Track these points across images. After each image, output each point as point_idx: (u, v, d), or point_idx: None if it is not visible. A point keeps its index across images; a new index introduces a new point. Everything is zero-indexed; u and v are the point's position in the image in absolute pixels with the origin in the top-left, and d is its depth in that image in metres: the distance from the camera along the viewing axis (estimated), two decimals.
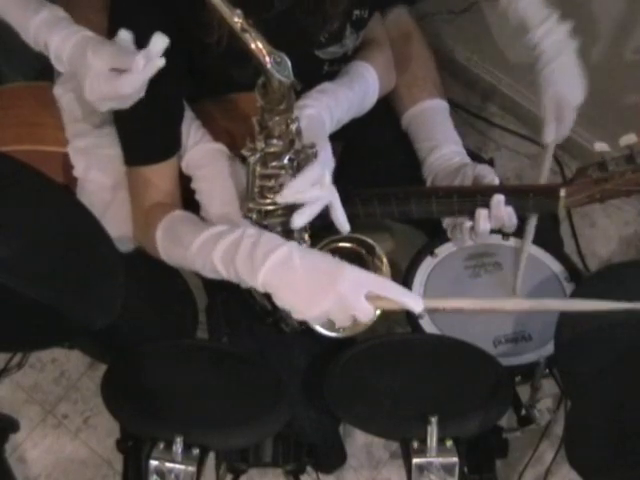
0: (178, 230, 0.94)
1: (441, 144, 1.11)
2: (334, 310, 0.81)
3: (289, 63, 0.79)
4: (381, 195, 1.03)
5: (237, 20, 0.74)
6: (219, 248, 0.86)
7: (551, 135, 1.04)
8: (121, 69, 0.84)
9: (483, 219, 0.99)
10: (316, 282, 0.81)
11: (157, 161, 0.98)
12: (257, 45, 0.76)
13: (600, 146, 0.95)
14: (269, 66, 0.77)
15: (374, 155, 1.19)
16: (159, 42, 0.84)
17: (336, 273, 0.81)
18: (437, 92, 1.17)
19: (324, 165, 0.92)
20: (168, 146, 0.99)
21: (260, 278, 0.83)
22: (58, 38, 0.88)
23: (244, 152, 0.91)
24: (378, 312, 0.88)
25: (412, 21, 1.21)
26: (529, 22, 1.01)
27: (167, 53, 0.92)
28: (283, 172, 0.90)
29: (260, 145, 0.88)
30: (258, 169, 0.90)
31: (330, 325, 0.95)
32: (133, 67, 0.83)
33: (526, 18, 1.01)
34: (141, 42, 0.90)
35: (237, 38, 0.76)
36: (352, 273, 0.81)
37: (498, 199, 0.97)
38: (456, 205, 1.00)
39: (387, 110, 1.18)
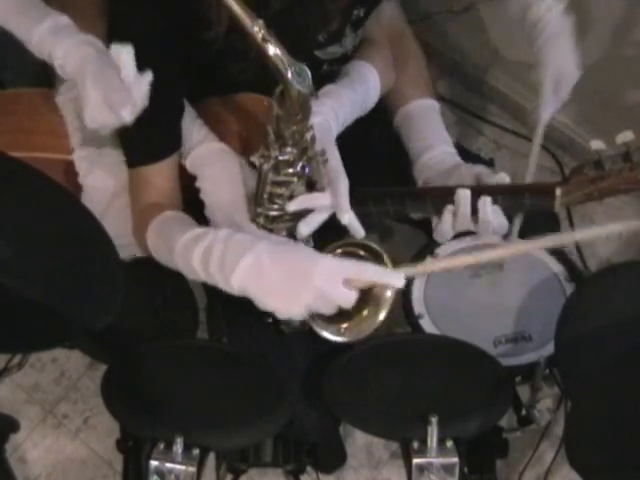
0: (166, 231, 0.94)
1: (433, 145, 1.11)
2: (316, 303, 0.82)
3: (309, 74, 0.79)
4: (376, 195, 1.03)
5: (258, 30, 0.74)
6: (196, 253, 0.86)
7: (550, 109, 1.06)
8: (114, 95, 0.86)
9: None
10: (291, 280, 0.81)
11: (157, 160, 0.98)
12: (279, 56, 0.75)
13: (596, 144, 0.95)
14: (290, 77, 0.77)
15: (369, 155, 1.19)
16: (124, 53, 0.86)
17: (309, 267, 0.81)
18: (428, 91, 1.17)
19: (345, 175, 0.92)
20: (167, 144, 0.99)
21: (234, 285, 0.83)
22: (62, 50, 0.87)
23: (256, 159, 0.91)
24: (382, 317, 0.88)
25: (404, 20, 1.21)
26: None
27: (166, 51, 0.93)
28: (295, 179, 0.90)
29: (274, 153, 0.88)
30: (270, 176, 0.90)
31: (335, 329, 0.95)
32: (133, 101, 0.86)
33: None
34: (141, 39, 0.90)
35: (241, 38, 0.76)
36: (325, 264, 0.81)
37: (484, 200, 0.95)
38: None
39: (380, 110, 1.18)
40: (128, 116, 0.86)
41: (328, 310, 0.83)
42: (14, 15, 0.89)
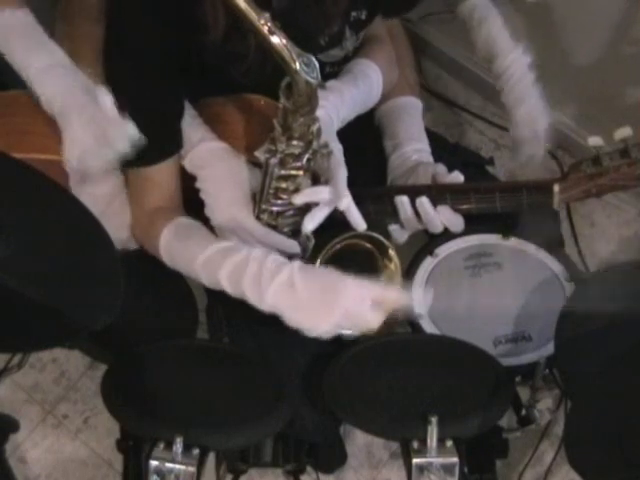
0: (184, 239, 0.95)
1: (402, 142, 1.11)
2: (343, 323, 0.84)
3: (317, 64, 0.79)
4: (374, 194, 1.03)
5: (264, 22, 0.73)
6: (225, 268, 0.87)
7: (524, 156, 1.10)
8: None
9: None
10: (320, 301, 0.83)
11: (158, 161, 0.98)
12: (286, 47, 0.75)
13: (594, 140, 0.95)
14: (298, 67, 0.76)
15: (367, 153, 1.19)
16: (106, 99, 0.89)
17: (338, 289, 0.82)
18: (410, 90, 1.17)
19: (335, 164, 0.93)
20: (168, 146, 0.99)
21: (266, 302, 0.85)
22: (49, 91, 0.90)
23: (262, 154, 0.91)
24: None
25: (397, 21, 1.21)
26: (500, 47, 1.08)
27: (165, 52, 0.93)
28: (301, 173, 0.90)
29: (281, 147, 0.88)
30: (276, 170, 0.90)
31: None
32: (113, 141, 0.89)
33: (497, 44, 1.08)
34: (140, 43, 0.90)
35: (241, 41, 0.75)
36: (354, 287, 0.83)
37: (420, 201, 0.98)
38: (449, 203, 0.99)
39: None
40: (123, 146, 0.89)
41: (355, 330, 0.86)
42: (15, 46, 0.91)
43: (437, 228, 1.00)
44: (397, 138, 1.12)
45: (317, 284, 0.84)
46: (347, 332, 0.93)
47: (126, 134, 0.89)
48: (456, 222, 1.00)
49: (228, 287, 0.88)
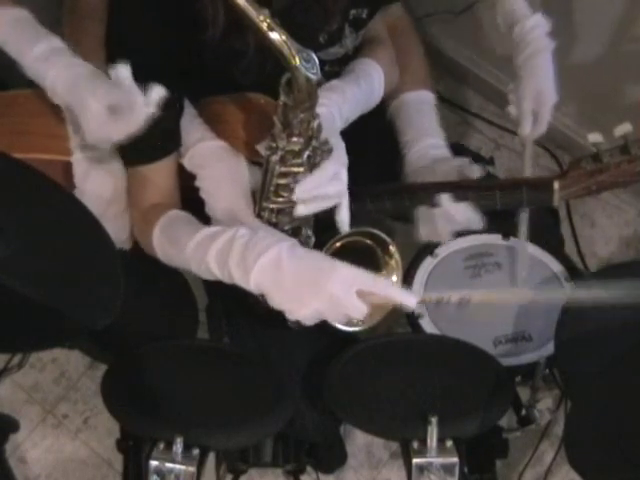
0: (174, 230, 0.94)
1: (417, 138, 1.10)
2: (325, 309, 0.81)
3: (317, 60, 0.79)
4: (373, 192, 1.03)
5: (263, 19, 0.73)
6: (213, 250, 0.86)
7: (528, 127, 1.03)
8: (118, 106, 0.85)
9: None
10: (306, 282, 0.81)
11: (156, 159, 0.98)
12: (286, 43, 0.75)
13: (594, 137, 0.95)
14: (298, 64, 0.76)
15: (368, 154, 1.19)
16: (156, 92, 0.86)
17: (326, 272, 0.80)
18: (423, 83, 1.16)
19: (338, 161, 0.92)
20: (166, 144, 0.99)
21: (252, 280, 0.83)
22: (52, 73, 0.87)
23: (262, 150, 0.90)
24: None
25: (403, 11, 1.21)
26: (518, 14, 1.03)
27: (165, 52, 0.93)
28: (301, 170, 0.90)
29: (282, 143, 0.87)
30: (277, 168, 0.90)
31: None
32: (134, 106, 0.85)
33: (515, 10, 1.03)
34: (140, 42, 0.91)
35: (239, 38, 0.75)
36: (342, 272, 0.81)
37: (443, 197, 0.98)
38: None
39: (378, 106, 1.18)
40: (142, 118, 0.85)
41: (337, 319, 0.82)
42: (10, 37, 0.89)
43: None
44: (410, 134, 1.11)
45: (304, 265, 0.81)
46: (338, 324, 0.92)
47: (152, 98, 0.86)
48: (474, 219, 0.99)
49: (216, 270, 0.86)
